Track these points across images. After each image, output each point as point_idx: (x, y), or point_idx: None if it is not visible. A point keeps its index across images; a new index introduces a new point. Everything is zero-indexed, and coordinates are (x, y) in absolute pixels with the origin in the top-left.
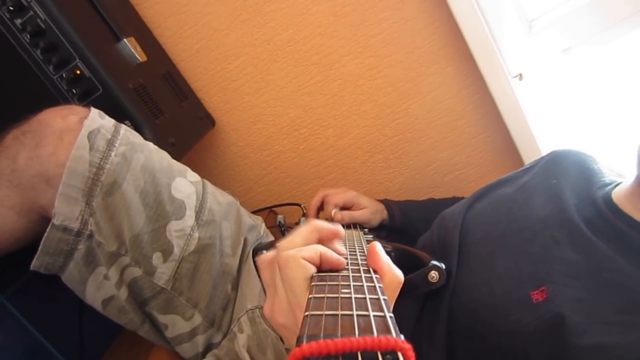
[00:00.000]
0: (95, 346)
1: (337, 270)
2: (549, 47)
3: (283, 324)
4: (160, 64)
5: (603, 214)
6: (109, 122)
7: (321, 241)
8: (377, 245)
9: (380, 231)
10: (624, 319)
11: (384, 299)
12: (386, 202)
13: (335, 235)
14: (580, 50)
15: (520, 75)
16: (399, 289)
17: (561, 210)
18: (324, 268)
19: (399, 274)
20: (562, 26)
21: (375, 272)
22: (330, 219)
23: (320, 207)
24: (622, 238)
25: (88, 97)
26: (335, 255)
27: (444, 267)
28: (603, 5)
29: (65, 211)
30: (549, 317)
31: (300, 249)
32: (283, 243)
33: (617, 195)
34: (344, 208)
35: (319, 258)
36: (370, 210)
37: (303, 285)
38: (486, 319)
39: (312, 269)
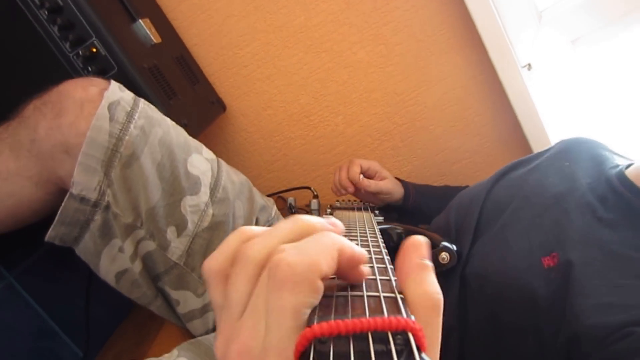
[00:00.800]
0: (101, 328)
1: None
2: (557, 37)
3: None
4: (174, 47)
5: (617, 190)
6: (128, 94)
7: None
8: (414, 243)
9: (390, 213)
10: (628, 282)
11: (395, 280)
12: (402, 181)
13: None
14: (589, 41)
15: (529, 65)
16: (439, 313)
17: (573, 188)
18: (339, 275)
19: (432, 291)
20: (571, 17)
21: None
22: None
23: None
24: (635, 213)
25: (103, 75)
26: (357, 251)
27: (454, 248)
28: None
29: (84, 181)
30: (559, 280)
31: (306, 253)
32: (255, 244)
33: (631, 172)
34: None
35: (337, 258)
36: (392, 181)
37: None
38: (497, 287)
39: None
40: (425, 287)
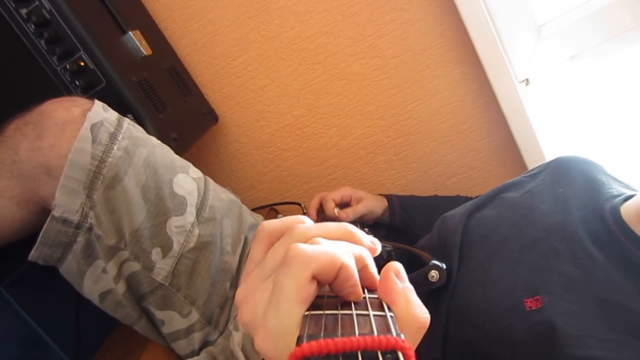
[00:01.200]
0: (91, 338)
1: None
2: (556, 53)
3: (245, 322)
4: (165, 58)
5: (611, 232)
6: (112, 115)
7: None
8: (394, 268)
9: (379, 230)
10: (618, 337)
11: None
12: (387, 196)
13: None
14: (588, 57)
15: (527, 80)
16: (423, 333)
17: (565, 221)
18: (333, 288)
19: (420, 313)
20: (570, 33)
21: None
22: (333, 219)
23: (320, 210)
24: (628, 259)
25: (91, 89)
26: (355, 277)
27: (444, 266)
28: (610, 14)
29: (66, 203)
30: (540, 327)
31: (316, 252)
32: (302, 227)
33: (626, 212)
34: (343, 206)
35: (335, 271)
36: (370, 199)
37: (296, 308)
38: (477, 322)
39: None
40: (414, 306)
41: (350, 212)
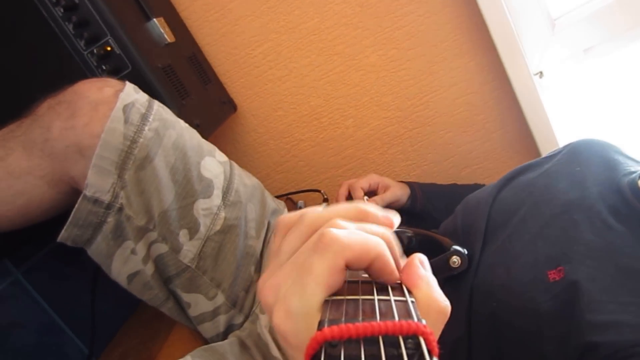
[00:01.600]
0: (107, 325)
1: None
2: (570, 46)
3: (267, 303)
4: (186, 46)
5: (629, 202)
6: (143, 96)
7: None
8: (420, 257)
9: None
10: (638, 300)
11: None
12: (409, 183)
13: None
14: (602, 50)
15: (541, 72)
16: (444, 320)
17: (583, 196)
18: (368, 273)
19: (440, 297)
20: (584, 26)
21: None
22: None
23: (349, 197)
24: None
25: (117, 74)
26: (391, 266)
27: (465, 252)
28: (622, 8)
29: (97, 183)
30: (564, 295)
31: (352, 240)
32: (313, 212)
33: None
34: (371, 194)
35: (369, 260)
36: (396, 187)
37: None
38: (501, 299)
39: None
40: (435, 290)
41: (378, 201)
